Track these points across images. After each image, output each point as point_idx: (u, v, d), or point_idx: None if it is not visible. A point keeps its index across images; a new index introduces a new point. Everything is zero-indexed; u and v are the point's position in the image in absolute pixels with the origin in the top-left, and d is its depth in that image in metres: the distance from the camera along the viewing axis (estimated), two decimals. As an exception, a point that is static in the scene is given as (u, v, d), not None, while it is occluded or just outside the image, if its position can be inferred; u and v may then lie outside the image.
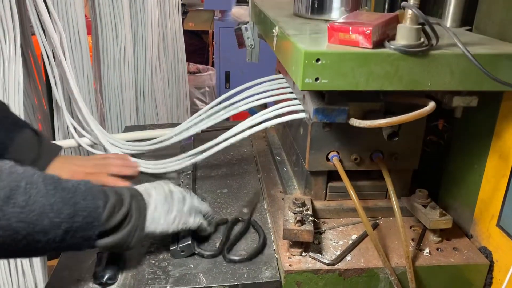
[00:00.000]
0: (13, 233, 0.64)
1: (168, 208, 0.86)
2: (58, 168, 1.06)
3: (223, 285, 0.85)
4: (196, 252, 0.92)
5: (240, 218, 1.04)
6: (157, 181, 0.95)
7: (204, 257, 0.91)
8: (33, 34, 1.68)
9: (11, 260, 1.54)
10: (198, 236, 0.95)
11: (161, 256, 0.92)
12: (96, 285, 0.84)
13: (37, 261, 1.63)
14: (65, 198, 0.69)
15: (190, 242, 0.90)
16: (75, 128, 1.60)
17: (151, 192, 0.86)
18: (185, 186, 1.13)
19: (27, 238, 0.66)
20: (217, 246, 0.93)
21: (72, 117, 1.64)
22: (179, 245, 0.89)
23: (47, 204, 0.67)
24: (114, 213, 0.75)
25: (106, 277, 0.83)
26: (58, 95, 1.65)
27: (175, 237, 0.91)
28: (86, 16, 1.89)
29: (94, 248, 0.75)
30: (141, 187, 0.87)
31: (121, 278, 0.86)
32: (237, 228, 1.00)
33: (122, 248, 0.79)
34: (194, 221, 0.90)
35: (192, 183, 1.17)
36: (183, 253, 0.90)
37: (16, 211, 0.64)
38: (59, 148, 1.13)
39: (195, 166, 1.25)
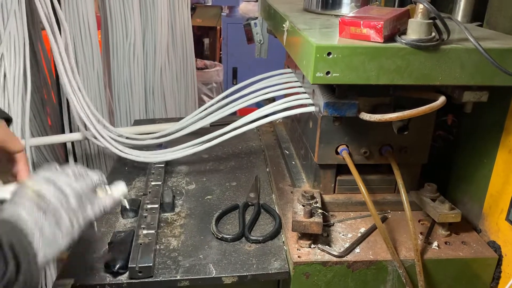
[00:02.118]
0: None
1: (54, 219, 0.66)
2: None
3: (232, 276, 0.86)
4: (219, 237, 0.95)
5: (249, 203, 1.08)
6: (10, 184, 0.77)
7: (228, 241, 0.94)
8: (43, 28, 1.69)
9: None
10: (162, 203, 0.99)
11: (171, 247, 0.93)
12: (108, 274, 0.86)
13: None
14: None
15: (151, 264, 0.84)
16: (85, 125, 1.62)
17: (21, 214, 0.64)
18: (157, 179, 1.13)
19: None
20: (238, 230, 0.97)
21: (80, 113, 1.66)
22: (139, 265, 0.83)
23: None
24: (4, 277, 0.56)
25: (117, 266, 0.85)
26: (66, 89, 1.67)
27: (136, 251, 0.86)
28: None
29: None
30: (7, 213, 0.64)
31: (132, 267, 0.87)
32: (248, 212, 1.05)
33: None
34: (94, 210, 0.72)
35: (164, 175, 1.19)
36: (140, 274, 0.83)
37: None
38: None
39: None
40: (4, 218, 0.63)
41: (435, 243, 0.92)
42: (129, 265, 0.84)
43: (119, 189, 0.78)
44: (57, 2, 1.59)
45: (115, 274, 0.85)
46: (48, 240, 0.64)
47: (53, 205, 0.66)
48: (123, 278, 0.85)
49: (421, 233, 0.95)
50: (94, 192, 0.74)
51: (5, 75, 1.45)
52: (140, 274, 0.83)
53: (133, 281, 0.84)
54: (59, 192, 0.68)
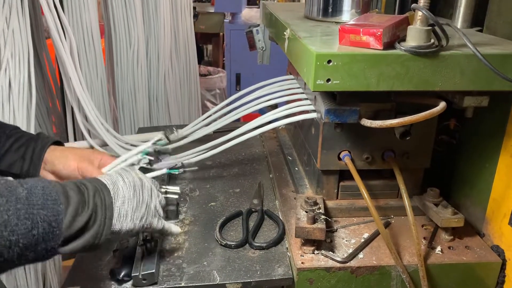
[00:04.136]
0: None
1: (136, 204, 0.77)
2: (60, 150, 0.97)
3: (236, 282, 0.86)
4: (223, 244, 0.95)
5: (253, 209, 1.08)
6: (124, 167, 0.88)
7: (232, 248, 0.94)
8: (48, 37, 1.71)
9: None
10: (165, 210, 0.94)
11: (175, 254, 0.94)
12: (113, 282, 0.86)
13: (50, 261, 1.67)
14: (20, 211, 0.59)
15: (154, 270, 0.85)
16: (89, 131, 1.64)
17: (119, 183, 0.76)
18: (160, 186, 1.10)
19: None
20: (242, 236, 0.97)
21: (86, 119, 1.68)
22: (142, 273, 0.84)
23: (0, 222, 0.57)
24: (77, 216, 0.66)
25: (122, 274, 0.85)
26: (71, 98, 1.69)
27: (139, 260, 0.87)
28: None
29: (58, 254, 0.68)
30: (106, 177, 0.77)
31: (137, 275, 0.88)
32: (252, 218, 1.05)
33: (89, 251, 0.71)
34: (158, 224, 0.82)
35: (168, 182, 1.19)
36: (144, 282, 0.84)
37: None
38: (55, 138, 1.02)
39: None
40: (104, 178, 0.76)
41: (439, 248, 0.92)
42: (132, 274, 0.84)
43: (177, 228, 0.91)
44: (61, 10, 1.62)
45: (120, 282, 0.86)
46: (121, 214, 0.74)
47: (142, 195, 0.78)
48: (128, 285, 0.85)
49: (424, 238, 0.95)
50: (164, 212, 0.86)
51: (10, 84, 1.47)
52: (144, 282, 0.84)
53: (138, 288, 0.85)
54: (151, 194, 0.81)
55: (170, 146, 1.24)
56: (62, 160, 0.94)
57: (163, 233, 0.88)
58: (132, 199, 0.76)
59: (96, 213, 0.70)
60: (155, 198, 0.82)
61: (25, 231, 0.59)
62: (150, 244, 0.90)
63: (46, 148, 0.95)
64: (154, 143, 1.08)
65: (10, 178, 0.66)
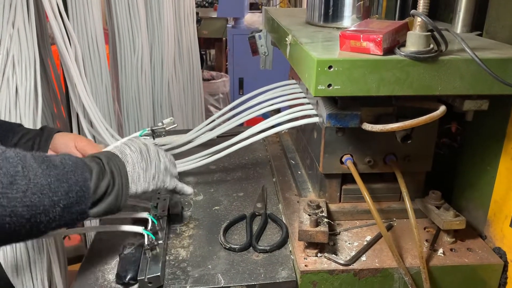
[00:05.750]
0: (18, 218, 0.64)
1: (145, 165, 0.86)
2: (61, 135, 1.07)
3: (240, 285, 0.87)
4: (227, 247, 0.97)
5: (257, 213, 1.09)
6: (129, 137, 0.98)
7: (236, 251, 0.96)
8: (53, 43, 1.73)
9: (32, 267, 1.57)
10: (170, 214, 1.02)
11: (180, 257, 0.95)
12: (119, 285, 0.88)
13: (56, 266, 1.68)
14: (59, 175, 0.70)
15: (159, 273, 0.86)
16: (93, 136, 1.66)
17: (125, 150, 0.86)
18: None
19: (31, 221, 0.66)
20: (245, 240, 0.99)
21: (91, 125, 1.70)
22: (147, 276, 0.85)
23: (45, 184, 0.67)
24: (100, 181, 0.76)
25: (128, 277, 0.87)
26: (76, 103, 1.71)
27: (144, 264, 0.88)
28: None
29: (86, 219, 0.77)
30: (114, 149, 0.86)
31: (143, 278, 0.89)
32: (256, 222, 1.07)
33: (112, 213, 0.80)
34: (171, 183, 0.91)
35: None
36: (150, 285, 0.86)
37: (19, 196, 0.64)
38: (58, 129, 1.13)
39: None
40: (111, 149, 0.86)
41: (441, 250, 0.93)
42: (138, 277, 0.85)
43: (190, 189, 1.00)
44: (66, 17, 1.64)
45: (126, 285, 0.87)
46: (133, 177, 0.84)
47: (150, 158, 0.88)
48: (134, 289, 0.87)
49: (426, 241, 0.96)
50: (176, 176, 0.95)
51: (17, 90, 1.49)
52: (150, 285, 0.85)
53: (144, 292, 0.86)
54: (158, 155, 0.90)
55: (178, 151, 1.26)
56: (62, 141, 1.05)
57: (177, 193, 0.98)
58: (141, 162, 0.86)
59: (114, 178, 0.79)
60: (163, 157, 0.91)
61: (64, 193, 0.69)
62: (155, 247, 0.92)
63: (52, 136, 1.05)
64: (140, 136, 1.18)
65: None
